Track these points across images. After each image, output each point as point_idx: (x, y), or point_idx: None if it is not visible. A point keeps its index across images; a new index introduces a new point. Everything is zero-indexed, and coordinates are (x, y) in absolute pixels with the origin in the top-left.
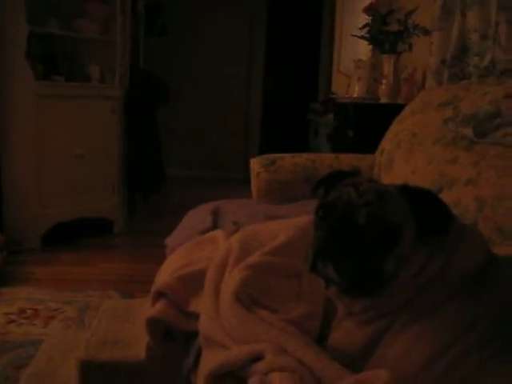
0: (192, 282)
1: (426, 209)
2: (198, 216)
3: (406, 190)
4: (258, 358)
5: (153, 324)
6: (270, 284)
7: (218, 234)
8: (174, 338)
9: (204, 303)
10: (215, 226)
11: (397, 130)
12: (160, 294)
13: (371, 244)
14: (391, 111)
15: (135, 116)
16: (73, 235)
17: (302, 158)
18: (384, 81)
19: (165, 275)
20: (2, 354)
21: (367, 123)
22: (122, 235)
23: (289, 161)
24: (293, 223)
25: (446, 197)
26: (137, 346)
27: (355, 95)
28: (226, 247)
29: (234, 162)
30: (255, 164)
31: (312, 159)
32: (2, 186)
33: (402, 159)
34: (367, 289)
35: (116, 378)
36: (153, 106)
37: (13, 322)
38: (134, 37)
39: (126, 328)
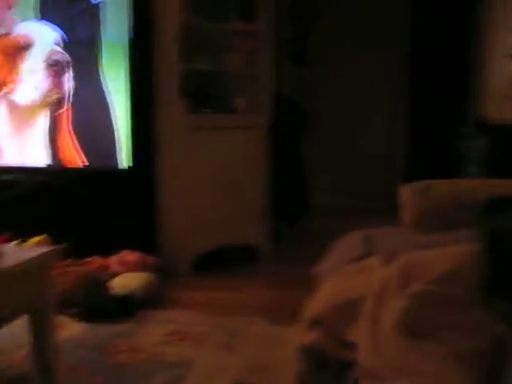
0: (348, 310)
1: None
2: (349, 244)
3: None
4: None
5: (307, 352)
6: (433, 315)
7: (372, 262)
8: (328, 366)
9: (362, 333)
10: (368, 254)
11: None
12: (314, 322)
13: None
14: None
15: (280, 144)
16: (221, 261)
17: (457, 184)
18: None
19: (319, 303)
20: (158, 373)
21: None
22: (267, 262)
23: (444, 187)
24: (454, 252)
25: None
26: (286, 371)
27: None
28: (383, 276)
29: (378, 191)
30: (406, 191)
31: (469, 185)
32: (156, 212)
33: None
34: None
35: None
36: (297, 134)
37: (167, 342)
38: (278, 66)
39: (274, 354)
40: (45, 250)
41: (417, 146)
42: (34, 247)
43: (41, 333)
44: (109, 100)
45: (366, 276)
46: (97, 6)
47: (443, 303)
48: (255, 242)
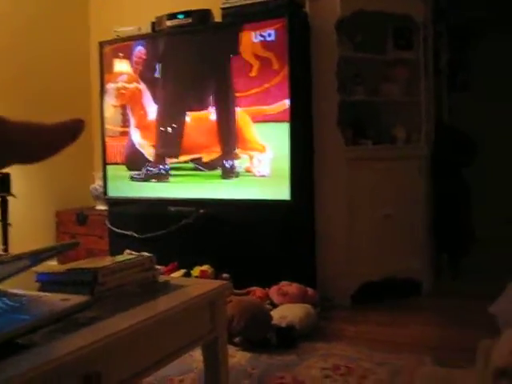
0: None
1: None
2: None
3: None
4: None
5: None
6: None
7: None
8: None
9: None
10: None
11: None
12: (502, 373)
13: None
14: None
15: (442, 175)
16: (381, 294)
17: None
18: None
19: (506, 351)
20: None
21: None
22: (429, 297)
23: None
24: None
25: None
26: None
27: None
28: None
29: None
30: None
31: None
32: (315, 243)
33: None
34: None
35: None
36: (460, 163)
37: (328, 377)
38: (437, 93)
39: None
40: (219, 283)
41: None
42: (208, 281)
43: (214, 364)
44: None
45: None
46: None
47: None
48: (416, 276)
